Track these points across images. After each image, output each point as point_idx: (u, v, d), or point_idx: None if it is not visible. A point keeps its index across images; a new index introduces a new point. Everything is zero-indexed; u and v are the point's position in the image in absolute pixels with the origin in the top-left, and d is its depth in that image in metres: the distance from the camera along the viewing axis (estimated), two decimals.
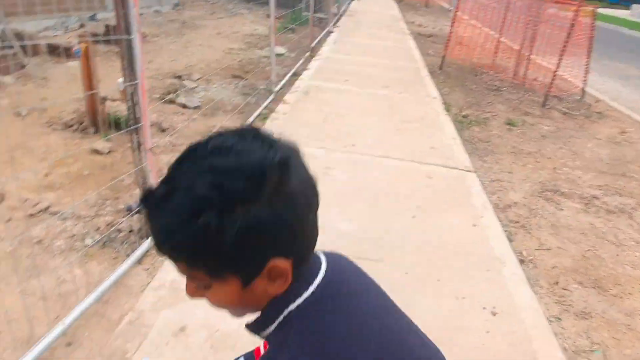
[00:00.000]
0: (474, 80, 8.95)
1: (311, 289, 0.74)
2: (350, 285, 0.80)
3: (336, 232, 3.23)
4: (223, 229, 0.61)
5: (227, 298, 0.74)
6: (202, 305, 2.57)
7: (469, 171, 4.53)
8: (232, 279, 0.70)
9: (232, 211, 0.61)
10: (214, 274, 0.70)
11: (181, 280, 2.55)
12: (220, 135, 0.67)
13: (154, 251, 2.94)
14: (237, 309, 0.79)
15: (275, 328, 0.75)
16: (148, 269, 2.78)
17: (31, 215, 3.17)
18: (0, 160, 3.76)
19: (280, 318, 0.74)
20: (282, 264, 0.69)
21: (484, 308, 2.60)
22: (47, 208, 3.24)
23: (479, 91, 8.15)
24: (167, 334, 2.28)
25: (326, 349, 0.69)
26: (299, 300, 0.72)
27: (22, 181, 3.53)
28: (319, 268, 0.78)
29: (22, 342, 2.16)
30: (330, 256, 0.84)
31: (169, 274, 2.71)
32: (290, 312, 0.73)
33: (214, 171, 0.61)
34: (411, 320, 0.88)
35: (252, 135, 0.67)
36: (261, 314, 0.77)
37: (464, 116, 6.51)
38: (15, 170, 3.68)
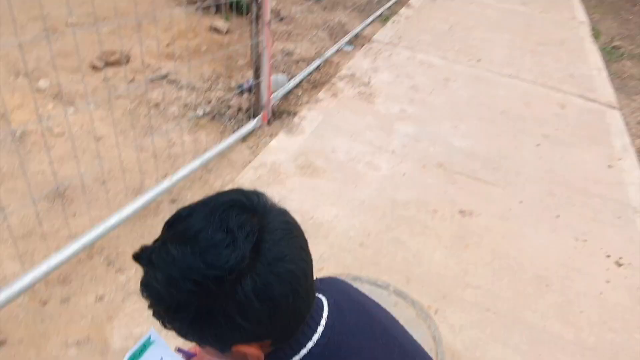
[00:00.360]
0: (632, 11, 7.57)
1: (303, 352, 0.69)
2: (350, 344, 0.73)
3: (447, 146, 2.97)
4: (175, 320, 0.63)
5: (210, 354, 0.72)
6: (298, 191, 2.56)
7: (612, 107, 3.90)
8: (205, 344, 0.69)
9: (181, 309, 0.61)
10: (183, 338, 0.69)
11: (281, 163, 2.48)
12: (191, 213, 0.63)
13: (259, 132, 2.93)
14: None
15: None
16: (252, 147, 2.78)
17: (151, 79, 3.27)
18: (129, 27, 3.88)
19: None
20: (248, 349, 0.65)
21: (608, 256, 2.28)
22: (165, 75, 3.32)
23: (638, 23, 6.89)
24: None
25: None
26: None
27: (146, 47, 3.63)
28: (317, 326, 0.71)
29: (133, 191, 2.28)
30: (333, 303, 0.76)
31: (271, 157, 2.69)
32: None
33: (171, 264, 0.60)
34: (420, 354, 0.82)
35: (219, 220, 0.61)
36: None
37: (614, 47, 5.56)
38: (141, 37, 3.79)
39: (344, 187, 2.52)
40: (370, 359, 0.72)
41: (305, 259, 0.66)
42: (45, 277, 1.69)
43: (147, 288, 0.64)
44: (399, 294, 1.92)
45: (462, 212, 2.42)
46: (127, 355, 1.37)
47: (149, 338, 1.44)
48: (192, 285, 0.59)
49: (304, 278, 0.65)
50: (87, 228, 1.93)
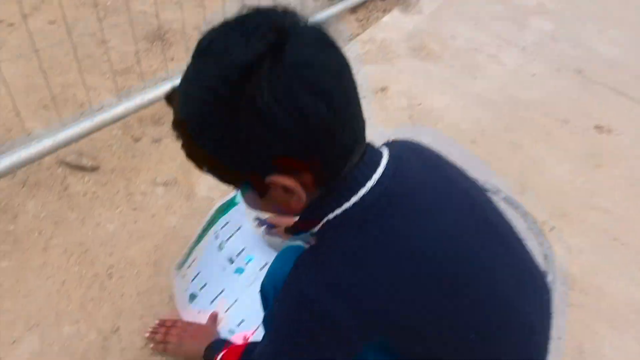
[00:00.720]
0: None
1: (354, 199, 0.60)
2: (414, 198, 0.63)
3: (590, 51, 2.48)
4: (201, 147, 0.57)
5: (252, 203, 0.67)
6: (407, 73, 2.27)
7: None
8: (243, 188, 0.64)
9: (203, 128, 0.55)
10: (220, 180, 0.63)
11: (392, 41, 2.15)
12: (209, 31, 0.57)
13: (371, 5, 2.60)
14: (274, 212, 0.71)
15: (313, 236, 0.67)
16: (361, 20, 2.48)
17: None
18: None
19: (318, 226, 0.64)
20: (285, 181, 0.57)
21: None
22: None
23: None
24: (366, 89, 2.05)
25: (357, 275, 0.59)
26: (338, 211, 0.61)
27: None
28: (372, 172, 0.62)
29: None
30: (397, 155, 0.66)
31: (381, 33, 2.38)
32: (329, 221, 0.62)
33: (186, 80, 0.56)
34: (510, 235, 0.73)
35: (234, 27, 0.54)
36: (298, 220, 0.68)
37: None
38: None
39: (460, 76, 2.20)
40: (439, 220, 0.63)
41: (347, 77, 0.57)
42: (139, 111, 1.62)
43: (174, 123, 0.59)
44: (511, 202, 1.68)
45: (598, 127, 2.04)
46: (215, 206, 1.34)
47: (235, 197, 1.38)
48: (206, 93, 0.53)
49: (344, 98, 0.56)
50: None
